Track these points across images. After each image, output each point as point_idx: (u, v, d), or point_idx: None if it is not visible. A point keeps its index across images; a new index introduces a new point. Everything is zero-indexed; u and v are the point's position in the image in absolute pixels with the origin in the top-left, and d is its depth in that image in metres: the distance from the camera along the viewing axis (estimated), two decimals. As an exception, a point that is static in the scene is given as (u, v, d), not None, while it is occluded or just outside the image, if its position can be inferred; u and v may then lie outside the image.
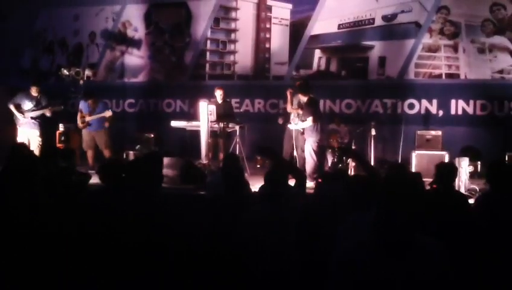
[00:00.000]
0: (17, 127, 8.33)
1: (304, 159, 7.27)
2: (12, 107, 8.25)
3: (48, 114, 8.34)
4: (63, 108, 8.70)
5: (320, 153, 7.27)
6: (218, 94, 8.28)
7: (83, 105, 8.39)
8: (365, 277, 1.98)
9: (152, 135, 9.29)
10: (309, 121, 7.17)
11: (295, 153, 7.50)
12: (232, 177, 4.04)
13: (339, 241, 2.75)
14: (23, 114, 8.22)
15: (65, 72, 9.50)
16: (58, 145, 8.93)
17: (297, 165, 7.23)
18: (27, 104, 8.28)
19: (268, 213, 3.47)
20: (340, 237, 2.81)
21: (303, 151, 7.33)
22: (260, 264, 3.35)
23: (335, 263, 2.09)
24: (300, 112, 7.30)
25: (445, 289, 1.99)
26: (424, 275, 1.96)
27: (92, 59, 11.25)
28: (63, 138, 9.06)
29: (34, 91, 8.32)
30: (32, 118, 8.27)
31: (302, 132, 7.33)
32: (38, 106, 8.31)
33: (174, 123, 8.18)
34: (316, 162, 7.14)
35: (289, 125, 7.53)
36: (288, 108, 7.67)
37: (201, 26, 10.67)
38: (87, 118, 8.29)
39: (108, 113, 8.32)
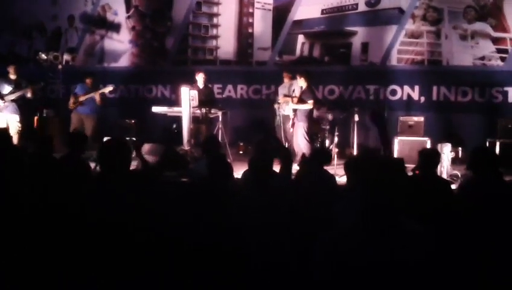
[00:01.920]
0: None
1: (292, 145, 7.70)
2: None
3: (29, 94, 8.15)
4: (43, 84, 8.64)
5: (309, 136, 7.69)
6: (201, 78, 8.13)
7: (79, 88, 8.43)
8: (350, 261, 1.99)
9: (133, 121, 9.15)
10: (311, 103, 7.49)
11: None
12: (217, 161, 3.97)
13: (325, 225, 2.73)
14: (3, 99, 8.03)
15: (43, 56, 9.33)
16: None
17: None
18: (6, 88, 8.10)
19: (256, 199, 3.42)
20: (325, 221, 2.79)
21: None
22: (252, 252, 3.29)
23: (321, 247, 2.08)
24: (288, 99, 7.68)
25: (429, 271, 1.99)
26: (408, 257, 1.97)
27: (71, 43, 11.02)
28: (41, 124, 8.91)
29: (12, 72, 8.15)
30: (13, 100, 8.07)
31: (293, 118, 7.66)
32: (18, 88, 8.13)
33: (156, 109, 8.07)
34: (310, 142, 7.54)
35: (285, 108, 7.81)
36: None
37: (183, 11, 10.50)
38: (81, 98, 8.27)
39: (109, 88, 8.46)
